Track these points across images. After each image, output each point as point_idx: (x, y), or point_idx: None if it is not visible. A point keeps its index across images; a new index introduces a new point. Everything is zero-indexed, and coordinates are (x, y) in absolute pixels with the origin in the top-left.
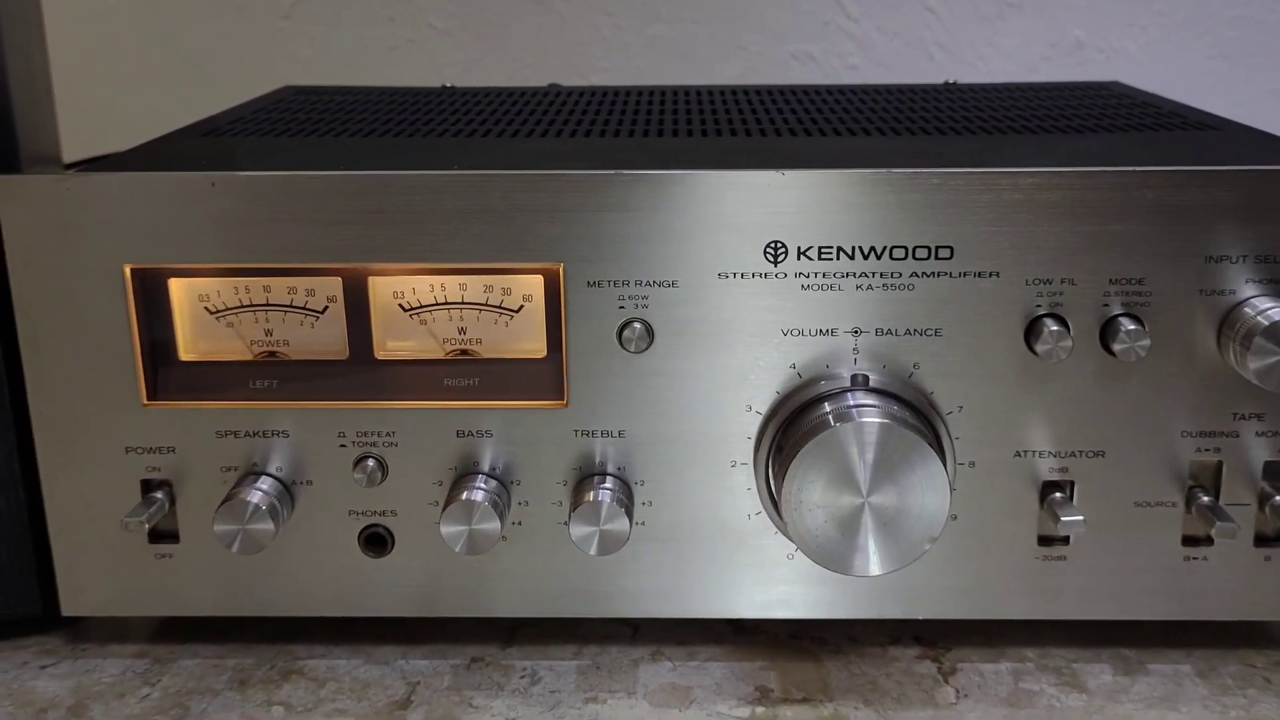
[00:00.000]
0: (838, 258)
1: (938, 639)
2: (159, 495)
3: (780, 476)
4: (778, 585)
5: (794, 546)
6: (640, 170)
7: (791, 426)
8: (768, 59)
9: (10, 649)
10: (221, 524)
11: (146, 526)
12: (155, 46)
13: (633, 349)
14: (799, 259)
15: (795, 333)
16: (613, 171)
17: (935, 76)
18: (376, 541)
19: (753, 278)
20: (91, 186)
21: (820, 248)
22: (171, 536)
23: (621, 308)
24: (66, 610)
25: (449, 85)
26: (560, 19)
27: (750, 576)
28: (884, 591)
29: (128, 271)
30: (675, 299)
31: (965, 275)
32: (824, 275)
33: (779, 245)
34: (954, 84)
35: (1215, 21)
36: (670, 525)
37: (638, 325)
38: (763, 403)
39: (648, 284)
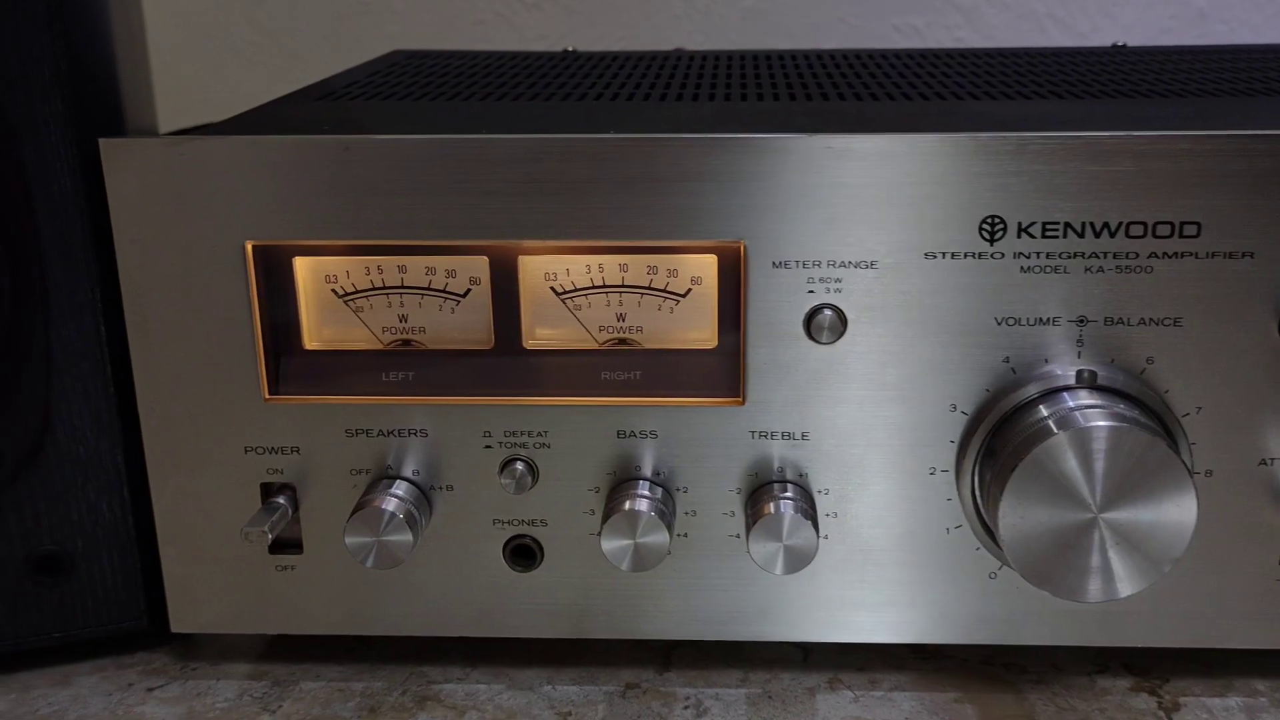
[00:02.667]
0: (1064, 235)
1: (1151, 668)
2: (281, 500)
3: (996, 488)
4: (975, 606)
5: (997, 564)
6: (840, 133)
7: (1005, 429)
8: (869, 32)
9: (114, 667)
10: (354, 535)
11: (270, 536)
12: (234, 24)
13: (823, 339)
14: (1019, 237)
15: (1011, 321)
16: (806, 134)
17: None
18: (524, 554)
19: (965, 258)
20: (210, 151)
21: (1045, 224)
22: (294, 546)
23: (811, 291)
24: (176, 626)
25: (570, 49)
26: None
27: (943, 596)
28: (1093, 615)
29: (249, 248)
30: (873, 282)
31: (1214, 256)
32: (1047, 255)
33: (996, 221)
34: (1123, 46)
35: None
36: (855, 540)
37: (829, 312)
38: (970, 402)
39: (842, 264)
